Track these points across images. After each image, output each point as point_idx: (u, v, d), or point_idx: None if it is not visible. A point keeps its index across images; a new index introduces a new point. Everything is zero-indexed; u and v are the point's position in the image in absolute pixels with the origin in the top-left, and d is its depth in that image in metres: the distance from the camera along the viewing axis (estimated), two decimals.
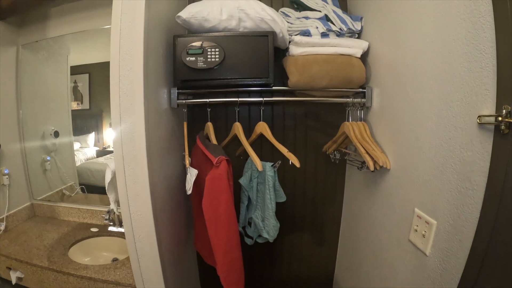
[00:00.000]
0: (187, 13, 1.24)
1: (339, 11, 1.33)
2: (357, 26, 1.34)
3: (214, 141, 1.30)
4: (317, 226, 1.80)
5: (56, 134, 1.95)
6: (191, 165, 1.30)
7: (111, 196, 1.40)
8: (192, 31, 1.31)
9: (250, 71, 1.22)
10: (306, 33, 1.29)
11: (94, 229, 1.82)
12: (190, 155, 1.36)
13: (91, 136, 1.99)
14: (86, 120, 1.97)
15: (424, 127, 0.98)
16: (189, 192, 1.23)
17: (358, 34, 1.37)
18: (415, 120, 1.03)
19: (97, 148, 2.00)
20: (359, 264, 1.51)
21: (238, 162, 1.53)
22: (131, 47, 1.08)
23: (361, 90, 1.32)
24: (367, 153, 1.23)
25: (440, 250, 0.91)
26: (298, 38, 1.26)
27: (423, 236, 0.97)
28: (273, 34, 1.22)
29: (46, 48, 1.93)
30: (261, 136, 1.34)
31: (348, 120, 1.34)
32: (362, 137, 1.29)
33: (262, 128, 1.30)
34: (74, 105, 1.94)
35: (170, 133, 1.35)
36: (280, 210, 1.34)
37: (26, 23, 1.94)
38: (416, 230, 1.01)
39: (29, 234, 1.81)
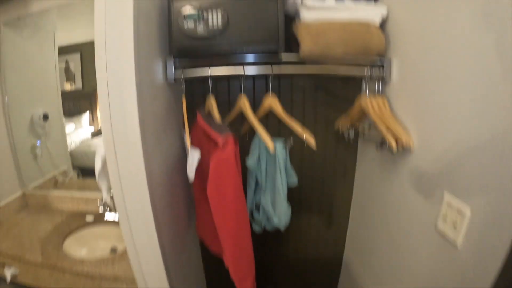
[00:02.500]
0: None
1: None
2: None
3: (217, 116, 1.10)
4: (325, 207, 1.63)
5: (46, 117, 1.73)
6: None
7: (103, 185, 1.20)
8: None
9: (257, 37, 1.01)
10: None
11: (89, 217, 1.63)
12: (190, 135, 1.16)
13: (85, 117, 1.78)
14: (80, 101, 1.76)
15: (457, 102, 0.80)
16: (191, 180, 1.04)
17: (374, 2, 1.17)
18: (446, 94, 0.84)
19: (92, 130, 1.79)
20: (373, 247, 1.36)
21: (242, 141, 1.34)
22: (119, 11, 0.86)
23: (379, 61, 1.12)
24: (389, 131, 1.05)
25: (474, 243, 0.76)
26: (310, 2, 1.05)
27: (454, 225, 0.81)
28: None
29: (31, 26, 1.68)
30: (269, 111, 1.15)
31: (364, 92, 1.15)
32: (382, 113, 1.11)
33: (272, 102, 1.10)
34: (67, 86, 1.72)
35: (167, 110, 1.15)
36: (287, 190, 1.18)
37: None
38: (445, 218, 0.85)
39: (21, 226, 1.61)
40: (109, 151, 0.90)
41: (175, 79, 1.11)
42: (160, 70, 1.08)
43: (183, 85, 1.12)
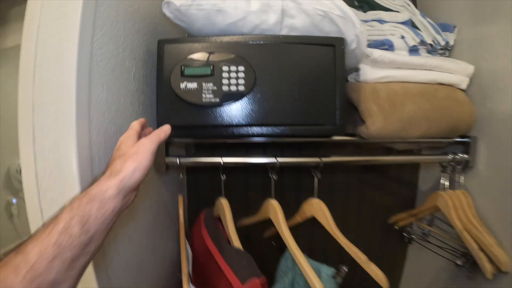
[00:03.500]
0: None
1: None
2: (450, 39, 0.79)
3: (233, 236, 0.64)
4: None
5: None
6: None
7: None
8: (192, 31, 0.65)
9: (303, 112, 0.59)
10: (385, 45, 0.71)
11: None
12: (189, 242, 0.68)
13: None
14: None
15: None
16: None
17: (449, 52, 0.83)
18: None
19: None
20: None
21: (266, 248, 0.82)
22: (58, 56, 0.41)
23: (459, 140, 0.77)
24: (481, 249, 0.69)
25: None
26: (378, 53, 0.67)
27: None
28: (343, 42, 0.62)
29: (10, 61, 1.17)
30: (311, 219, 0.72)
31: (442, 187, 0.78)
32: (468, 219, 0.74)
33: (317, 209, 0.67)
34: None
35: (155, 212, 0.68)
36: None
37: None
38: None
39: None
40: None
41: (167, 167, 0.65)
42: None
43: (181, 176, 0.66)
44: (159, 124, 0.60)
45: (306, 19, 0.60)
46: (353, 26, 0.61)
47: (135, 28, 0.61)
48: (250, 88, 0.58)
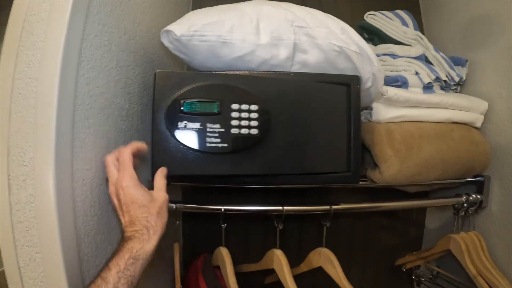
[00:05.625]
0: (187, 26, 0.49)
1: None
2: (462, 74, 0.72)
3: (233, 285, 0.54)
4: None
5: None
6: None
7: None
8: (193, 65, 0.56)
9: (314, 158, 0.51)
10: (399, 82, 0.63)
11: None
12: None
13: None
14: None
15: None
16: None
17: (460, 87, 0.76)
18: None
19: None
20: None
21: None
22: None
23: (472, 180, 0.70)
24: None
25: None
26: (393, 91, 0.59)
27: None
28: (359, 81, 0.54)
29: None
30: (318, 269, 0.63)
31: (456, 229, 0.70)
32: (481, 263, 0.67)
33: (326, 260, 0.57)
34: None
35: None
36: None
37: None
38: None
39: None
40: None
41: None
42: None
43: (177, 223, 0.57)
44: (154, 170, 0.51)
45: (319, 55, 0.52)
46: (370, 64, 0.53)
47: (130, 59, 0.52)
48: (264, 131, 0.48)
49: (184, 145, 0.48)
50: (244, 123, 0.48)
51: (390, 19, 0.72)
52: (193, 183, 0.59)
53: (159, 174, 0.46)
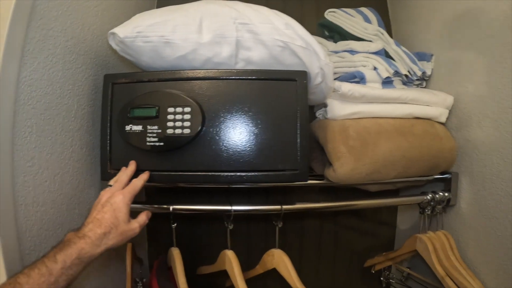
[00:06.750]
0: (131, 28, 0.49)
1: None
2: (427, 69, 0.69)
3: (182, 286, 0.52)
4: None
5: None
6: None
7: None
8: (140, 65, 0.56)
9: (259, 156, 0.49)
10: (356, 78, 0.61)
11: None
12: None
13: None
14: None
15: None
16: None
17: (426, 82, 0.72)
18: None
19: None
20: None
21: None
22: None
23: (439, 177, 0.66)
24: None
25: None
26: (347, 87, 0.56)
27: None
28: (305, 76, 0.52)
29: None
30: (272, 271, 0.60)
31: (422, 229, 0.66)
32: (450, 263, 0.62)
33: (279, 261, 0.54)
34: None
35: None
36: None
37: None
38: None
39: None
40: None
41: None
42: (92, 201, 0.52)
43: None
44: (103, 167, 0.51)
45: (264, 51, 0.51)
46: (318, 58, 0.51)
47: (79, 61, 0.52)
48: (196, 131, 0.48)
49: (130, 145, 0.50)
50: (178, 124, 0.48)
51: (351, 16, 0.70)
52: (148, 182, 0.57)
53: (146, 214, 0.46)
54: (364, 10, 0.73)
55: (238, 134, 0.49)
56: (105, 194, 0.44)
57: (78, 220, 0.53)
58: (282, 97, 0.51)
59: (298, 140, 0.50)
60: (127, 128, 0.49)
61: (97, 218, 0.41)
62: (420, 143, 0.57)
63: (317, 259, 0.83)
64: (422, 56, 0.71)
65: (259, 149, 0.49)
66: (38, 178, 0.46)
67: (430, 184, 0.67)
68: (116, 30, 0.50)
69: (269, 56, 0.51)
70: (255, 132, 0.50)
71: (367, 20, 0.71)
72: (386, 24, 0.85)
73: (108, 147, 0.51)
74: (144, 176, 0.47)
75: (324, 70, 0.52)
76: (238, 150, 0.49)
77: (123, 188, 0.45)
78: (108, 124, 0.51)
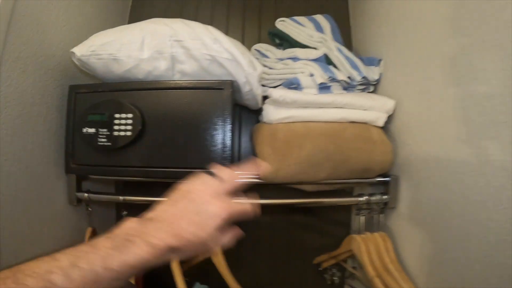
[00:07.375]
0: (87, 47, 0.58)
1: (344, 50, 0.69)
2: (373, 73, 0.70)
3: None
4: None
5: None
6: None
7: None
8: (97, 78, 0.66)
9: (192, 154, 0.56)
10: (294, 84, 0.64)
11: None
12: None
13: None
14: None
15: None
16: None
17: (374, 87, 0.73)
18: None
19: None
20: None
21: None
22: None
23: (379, 180, 0.67)
24: None
25: None
26: (278, 93, 0.61)
27: None
28: (232, 85, 0.57)
29: None
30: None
31: (359, 229, 0.68)
32: (384, 265, 0.64)
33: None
34: None
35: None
36: None
37: None
38: None
39: None
40: None
41: (78, 200, 0.65)
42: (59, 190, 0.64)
43: (90, 209, 0.65)
44: (67, 162, 0.61)
45: (194, 64, 0.57)
46: (242, 69, 0.56)
47: (48, 75, 0.62)
48: (136, 133, 0.56)
49: (87, 144, 0.59)
50: (122, 127, 0.57)
51: (301, 24, 0.72)
52: (101, 175, 0.66)
53: None
54: (318, 17, 0.76)
55: (173, 135, 0.56)
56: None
57: (45, 204, 0.63)
58: (212, 104, 0.57)
59: (225, 141, 0.56)
60: (84, 130, 0.59)
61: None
62: (347, 146, 0.60)
63: (272, 255, 0.87)
64: (371, 61, 0.72)
65: (191, 149, 0.56)
66: (12, 170, 0.56)
67: (378, 186, 0.68)
68: (74, 49, 0.59)
69: (200, 68, 0.57)
70: (189, 134, 0.57)
71: (318, 27, 0.74)
72: (347, 30, 0.86)
73: (71, 146, 0.61)
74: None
75: (248, 79, 0.57)
76: (173, 149, 0.56)
77: None
78: (71, 127, 0.61)
